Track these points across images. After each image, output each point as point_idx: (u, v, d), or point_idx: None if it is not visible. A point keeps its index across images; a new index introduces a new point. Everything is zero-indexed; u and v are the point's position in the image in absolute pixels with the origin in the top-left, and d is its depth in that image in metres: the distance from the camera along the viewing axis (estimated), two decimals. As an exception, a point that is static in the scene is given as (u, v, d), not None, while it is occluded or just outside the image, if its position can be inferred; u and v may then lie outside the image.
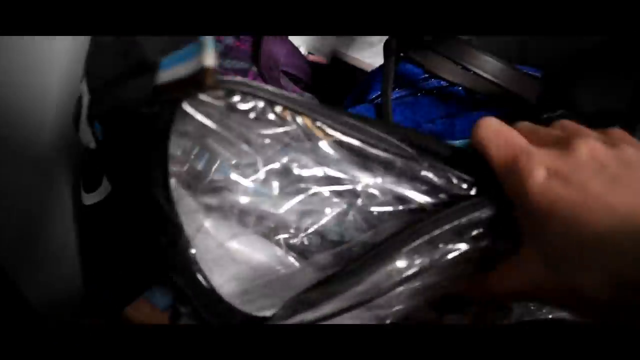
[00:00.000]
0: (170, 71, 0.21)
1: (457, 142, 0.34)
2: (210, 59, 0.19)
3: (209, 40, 0.20)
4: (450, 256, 0.22)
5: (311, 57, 0.49)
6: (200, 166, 0.32)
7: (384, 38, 0.49)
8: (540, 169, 0.21)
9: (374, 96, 0.37)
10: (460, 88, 0.38)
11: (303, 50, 0.50)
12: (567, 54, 0.50)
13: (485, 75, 0.34)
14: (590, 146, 0.21)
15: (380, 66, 0.38)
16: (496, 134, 0.24)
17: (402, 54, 0.35)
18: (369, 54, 0.49)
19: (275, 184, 0.24)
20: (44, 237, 0.37)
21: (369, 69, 0.49)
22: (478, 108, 0.38)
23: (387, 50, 0.34)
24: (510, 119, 0.37)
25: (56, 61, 0.37)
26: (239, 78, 0.22)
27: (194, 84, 0.20)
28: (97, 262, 0.37)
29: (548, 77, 0.47)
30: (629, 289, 0.18)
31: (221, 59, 0.37)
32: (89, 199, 0.35)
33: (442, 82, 0.38)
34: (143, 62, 0.22)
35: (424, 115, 0.36)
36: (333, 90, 0.42)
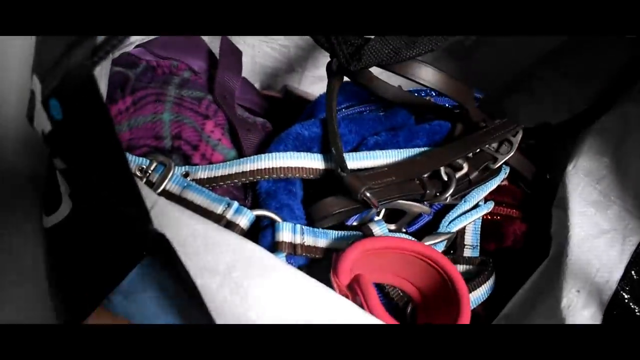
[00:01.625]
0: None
1: (402, 151, 0.37)
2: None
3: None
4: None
5: (265, 92, 0.52)
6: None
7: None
8: None
9: (322, 116, 0.40)
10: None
11: (257, 87, 0.53)
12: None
13: (427, 84, 0.37)
14: None
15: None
16: None
17: (344, 75, 0.38)
18: (319, 87, 0.53)
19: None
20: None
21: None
22: (418, 122, 0.41)
23: (329, 70, 0.37)
24: (451, 131, 0.41)
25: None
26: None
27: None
28: (61, 282, 0.38)
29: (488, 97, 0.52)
30: None
31: (178, 89, 0.39)
32: (50, 221, 0.35)
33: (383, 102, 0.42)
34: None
35: (368, 129, 0.39)
36: (287, 118, 0.45)
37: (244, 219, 0.32)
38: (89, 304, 0.34)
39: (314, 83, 0.53)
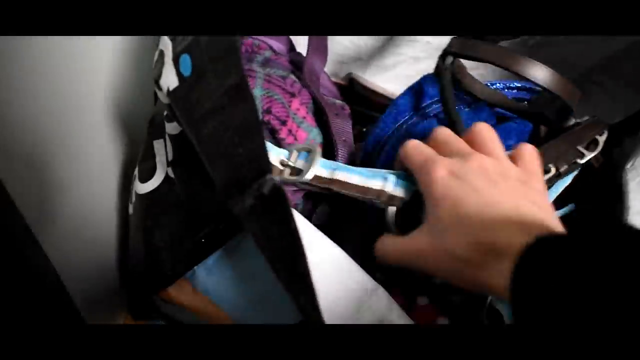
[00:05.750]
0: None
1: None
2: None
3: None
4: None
5: (333, 80, 0.51)
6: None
7: (397, 63, 0.52)
8: (441, 169, 0.29)
9: (424, 104, 0.40)
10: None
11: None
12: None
13: (538, 81, 0.36)
14: (479, 160, 0.30)
15: (427, 75, 0.41)
16: (413, 148, 0.32)
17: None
18: (383, 78, 0.52)
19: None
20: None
21: (384, 92, 0.52)
22: (502, 122, 0.41)
23: (439, 67, 0.37)
24: (534, 131, 0.40)
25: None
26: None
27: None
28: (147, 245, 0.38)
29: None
30: (481, 249, 0.27)
31: (262, 67, 0.39)
32: (144, 187, 0.36)
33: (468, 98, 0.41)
34: None
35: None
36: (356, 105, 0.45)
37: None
38: (175, 273, 0.36)
39: (378, 73, 0.52)
